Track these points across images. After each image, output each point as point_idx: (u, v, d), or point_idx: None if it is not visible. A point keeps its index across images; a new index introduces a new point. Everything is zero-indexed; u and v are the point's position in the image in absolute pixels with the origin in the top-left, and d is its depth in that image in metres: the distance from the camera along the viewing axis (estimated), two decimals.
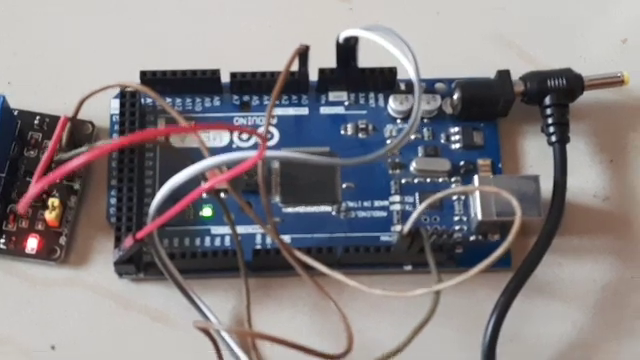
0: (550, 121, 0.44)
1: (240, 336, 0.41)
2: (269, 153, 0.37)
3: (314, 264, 0.39)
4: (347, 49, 0.43)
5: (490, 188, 0.39)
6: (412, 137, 0.45)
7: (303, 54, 0.42)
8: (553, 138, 0.44)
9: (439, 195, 0.39)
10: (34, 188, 0.32)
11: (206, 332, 0.39)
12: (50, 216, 0.42)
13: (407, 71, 0.40)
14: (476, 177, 0.43)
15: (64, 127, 0.41)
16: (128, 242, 0.39)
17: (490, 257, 0.36)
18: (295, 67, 0.44)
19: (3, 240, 0.42)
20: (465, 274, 0.36)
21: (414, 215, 0.39)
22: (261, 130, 0.44)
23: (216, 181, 0.36)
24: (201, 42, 0.47)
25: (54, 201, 0.42)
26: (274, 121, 0.45)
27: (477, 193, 0.42)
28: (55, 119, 0.44)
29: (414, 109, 0.39)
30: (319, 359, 0.37)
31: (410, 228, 0.40)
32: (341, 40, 0.42)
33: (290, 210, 0.44)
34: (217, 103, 0.45)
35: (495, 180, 0.43)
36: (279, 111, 0.45)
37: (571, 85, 0.44)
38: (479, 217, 0.42)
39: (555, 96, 0.44)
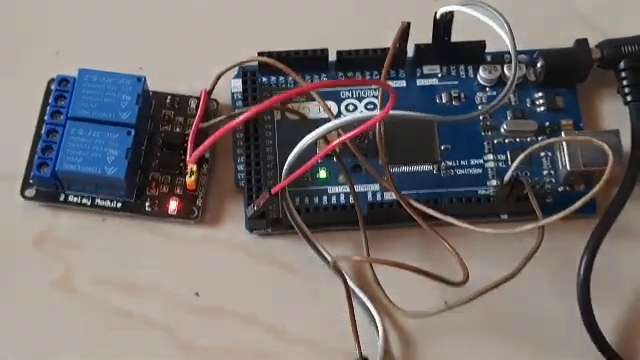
0: (625, 83, 0.49)
1: (371, 265, 0.46)
2: (394, 112, 0.42)
3: (429, 211, 0.45)
4: (444, 24, 0.48)
5: (583, 138, 0.44)
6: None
7: (404, 31, 0.48)
8: (628, 98, 0.49)
9: (537, 146, 0.45)
10: (207, 141, 0.38)
11: (338, 271, 0.44)
12: (190, 180, 0.47)
13: (501, 41, 0.45)
14: (563, 133, 0.48)
15: (206, 99, 0.47)
16: (264, 197, 0.44)
17: (583, 198, 0.42)
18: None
19: (148, 203, 0.48)
20: (566, 210, 0.42)
21: (514, 164, 0.45)
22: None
23: (347, 137, 0.41)
24: (306, 24, 0.53)
25: (193, 166, 0.47)
26: (376, 93, 0.50)
27: (565, 145, 0.47)
28: (183, 98, 0.50)
29: (511, 73, 0.45)
30: (442, 283, 0.42)
31: (510, 177, 0.45)
32: (438, 16, 0.48)
33: (395, 170, 0.49)
34: (324, 80, 0.51)
35: (580, 135, 0.48)
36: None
37: None
38: (568, 167, 0.47)
39: (629, 60, 0.49)
